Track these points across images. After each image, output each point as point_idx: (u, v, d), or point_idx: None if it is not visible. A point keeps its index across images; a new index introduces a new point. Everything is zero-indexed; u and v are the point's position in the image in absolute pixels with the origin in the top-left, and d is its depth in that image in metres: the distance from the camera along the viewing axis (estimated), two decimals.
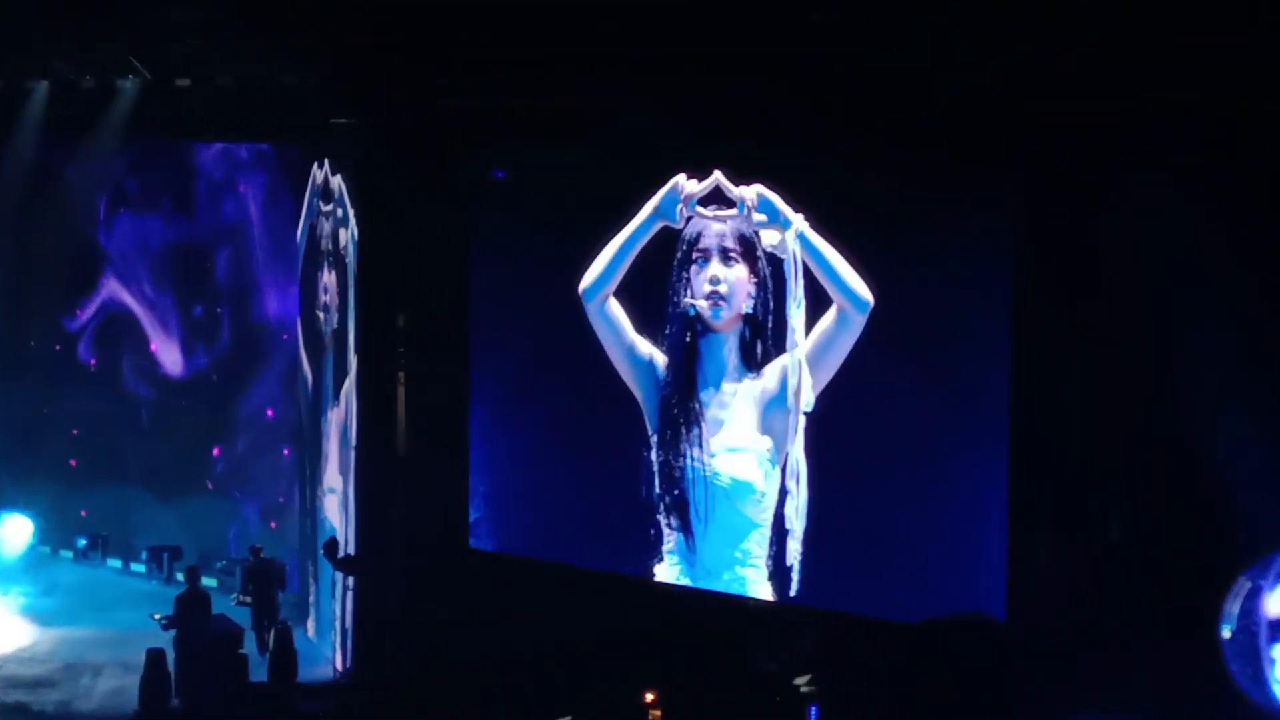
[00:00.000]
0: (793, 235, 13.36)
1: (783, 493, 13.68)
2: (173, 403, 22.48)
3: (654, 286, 14.25)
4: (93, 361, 22.91)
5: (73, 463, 22.75)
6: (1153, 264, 11.67)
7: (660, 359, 14.34)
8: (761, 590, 13.95)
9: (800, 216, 13.37)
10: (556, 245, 15.32)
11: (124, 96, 16.34)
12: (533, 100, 15.06)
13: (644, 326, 14.39)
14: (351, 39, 15.13)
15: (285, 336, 21.30)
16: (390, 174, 16.20)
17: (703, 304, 13.94)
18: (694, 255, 13.93)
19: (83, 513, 22.69)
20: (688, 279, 14.01)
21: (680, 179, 13.86)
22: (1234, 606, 10.85)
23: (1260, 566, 10.88)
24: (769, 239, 13.54)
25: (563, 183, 15.36)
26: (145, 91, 16.17)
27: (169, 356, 22.49)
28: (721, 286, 13.85)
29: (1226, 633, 10.85)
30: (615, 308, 14.43)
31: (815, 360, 13.48)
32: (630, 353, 14.45)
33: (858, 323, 13.22)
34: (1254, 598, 10.82)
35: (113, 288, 22.59)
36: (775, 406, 13.74)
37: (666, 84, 14.05)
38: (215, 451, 22.21)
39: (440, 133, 15.77)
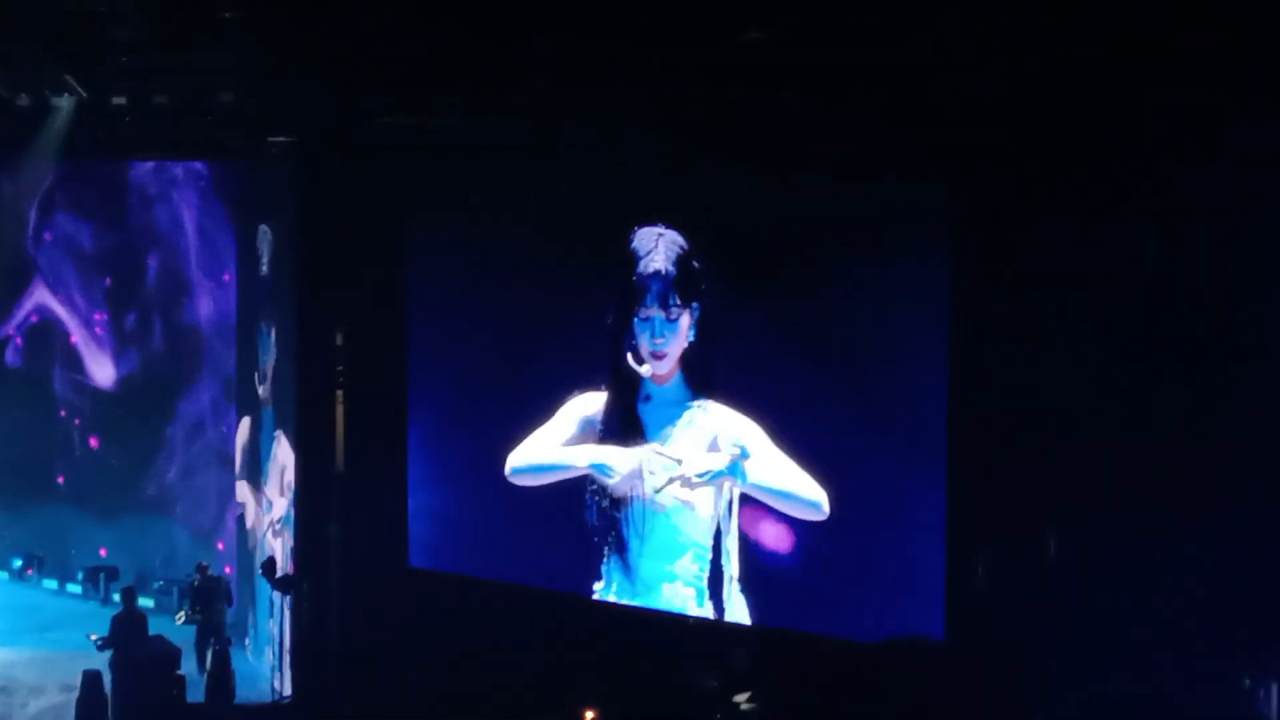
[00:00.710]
0: (737, 488, 13.60)
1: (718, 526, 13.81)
2: (105, 413, 22.20)
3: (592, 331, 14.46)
4: (18, 363, 22.57)
5: None
6: (1093, 283, 11.77)
7: (595, 406, 14.45)
8: (701, 608, 13.98)
9: (738, 446, 13.51)
10: (496, 262, 15.39)
11: (60, 115, 16.20)
12: (472, 117, 15.04)
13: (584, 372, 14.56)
14: (290, 56, 15.04)
15: (217, 343, 21.12)
16: (328, 191, 16.10)
17: (648, 369, 14.06)
18: (638, 310, 14.02)
19: None
20: (631, 336, 14.11)
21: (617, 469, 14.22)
22: None
23: None
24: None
25: (503, 200, 15.34)
26: (81, 110, 16.03)
27: (99, 368, 22.21)
28: (663, 345, 13.99)
29: None
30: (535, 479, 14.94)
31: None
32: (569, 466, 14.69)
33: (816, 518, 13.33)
34: None
35: (42, 296, 22.31)
36: (717, 443, 13.80)
37: (607, 98, 14.05)
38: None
39: (378, 151, 15.71)
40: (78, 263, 22.13)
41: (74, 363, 22.38)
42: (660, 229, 13.98)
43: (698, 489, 13.83)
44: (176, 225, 21.45)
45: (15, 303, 22.45)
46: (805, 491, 13.26)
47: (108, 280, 22.17)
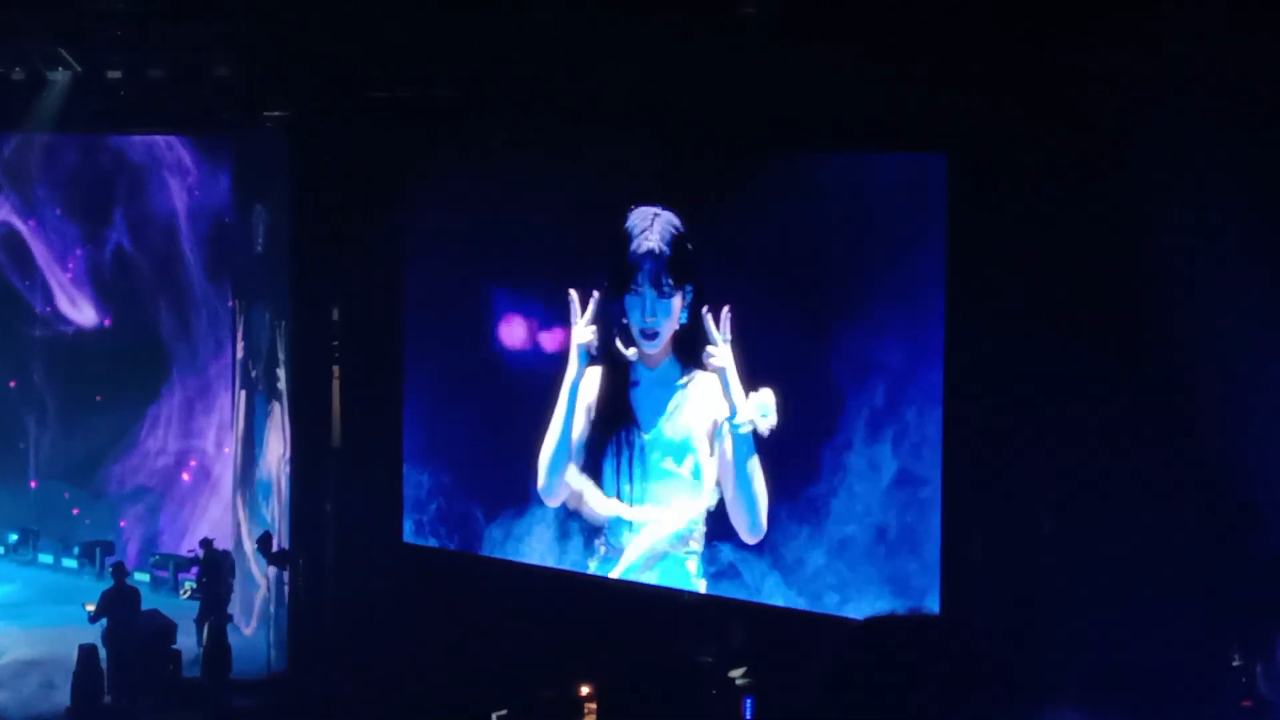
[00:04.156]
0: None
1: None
2: (82, 371, 21.67)
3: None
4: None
5: None
6: (1092, 241, 11.73)
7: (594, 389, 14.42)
8: (696, 583, 13.99)
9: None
10: (492, 238, 15.34)
11: (54, 88, 16.14)
12: (468, 90, 14.97)
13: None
14: (284, 30, 15.00)
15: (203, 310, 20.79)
16: (323, 166, 16.08)
17: (634, 352, 14.04)
18: (631, 286, 13.96)
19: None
20: (622, 309, 14.06)
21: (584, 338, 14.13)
22: None
23: None
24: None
25: (499, 176, 15.33)
26: (76, 84, 15.97)
27: (77, 310, 21.76)
28: (655, 323, 13.93)
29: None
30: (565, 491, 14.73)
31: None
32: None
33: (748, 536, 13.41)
34: None
35: (7, 216, 21.52)
36: (709, 413, 13.77)
37: (604, 71, 13.96)
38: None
39: (373, 125, 15.63)
40: (51, 185, 21.34)
41: (50, 307, 21.76)
42: (656, 209, 13.89)
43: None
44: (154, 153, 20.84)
45: None
46: (763, 506, 13.32)
47: (83, 201, 21.10)
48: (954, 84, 12.12)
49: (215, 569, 18.00)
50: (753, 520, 13.33)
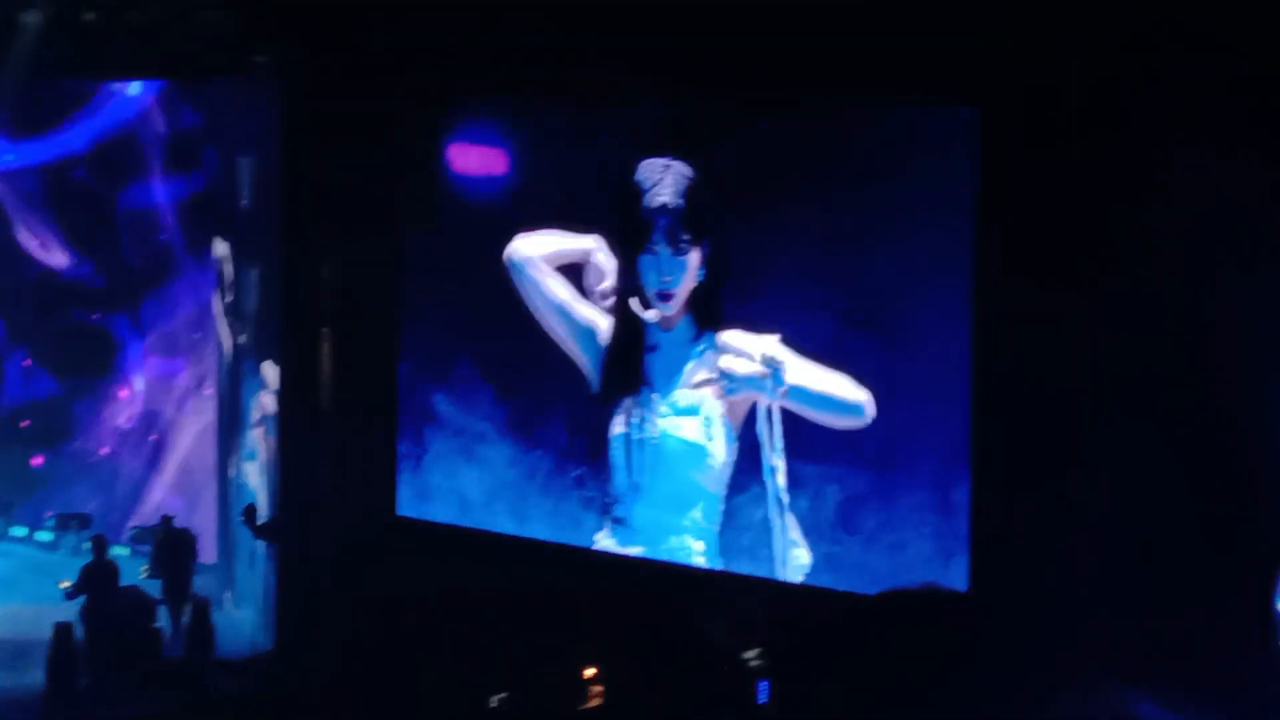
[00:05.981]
0: (776, 402, 12.97)
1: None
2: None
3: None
4: None
5: None
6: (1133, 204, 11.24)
7: (602, 324, 14.01)
8: (712, 563, 13.68)
9: (777, 351, 12.88)
10: (493, 194, 14.98)
11: (27, 31, 15.76)
12: (466, 37, 14.55)
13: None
14: None
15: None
16: (314, 116, 15.75)
17: (654, 314, 13.60)
18: (645, 246, 13.51)
19: None
20: (636, 271, 13.62)
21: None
22: None
23: None
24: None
25: (501, 127, 15.00)
26: (49, 25, 15.65)
27: (49, 254, 21.42)
28: (671, 284, 13.51)
29: None
30: (544, 270, 14.24)
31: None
32: (565, 317, 14.16)
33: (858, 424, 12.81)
34: None
35: None
36: (738, 387, 13.34)
37: (611, 19, 13.54)
38: None
39: (368, 72, 15.27)
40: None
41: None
42: (667, 160, 13.50)
43: (733, 396, 13.25)
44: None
45: None
46: (848, 393, 12.69)
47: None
48: (989, 32, 11.70)
49: (174, 548, 17.72)
50: (848, 411, 12.74)
